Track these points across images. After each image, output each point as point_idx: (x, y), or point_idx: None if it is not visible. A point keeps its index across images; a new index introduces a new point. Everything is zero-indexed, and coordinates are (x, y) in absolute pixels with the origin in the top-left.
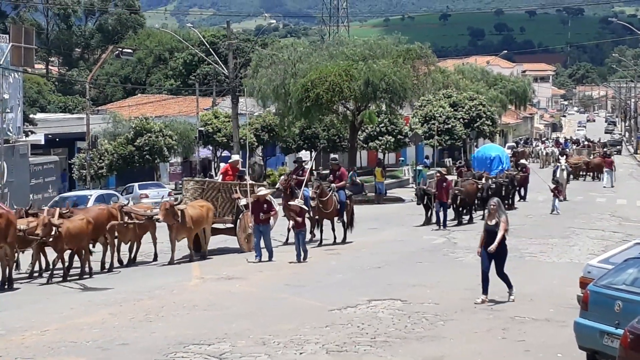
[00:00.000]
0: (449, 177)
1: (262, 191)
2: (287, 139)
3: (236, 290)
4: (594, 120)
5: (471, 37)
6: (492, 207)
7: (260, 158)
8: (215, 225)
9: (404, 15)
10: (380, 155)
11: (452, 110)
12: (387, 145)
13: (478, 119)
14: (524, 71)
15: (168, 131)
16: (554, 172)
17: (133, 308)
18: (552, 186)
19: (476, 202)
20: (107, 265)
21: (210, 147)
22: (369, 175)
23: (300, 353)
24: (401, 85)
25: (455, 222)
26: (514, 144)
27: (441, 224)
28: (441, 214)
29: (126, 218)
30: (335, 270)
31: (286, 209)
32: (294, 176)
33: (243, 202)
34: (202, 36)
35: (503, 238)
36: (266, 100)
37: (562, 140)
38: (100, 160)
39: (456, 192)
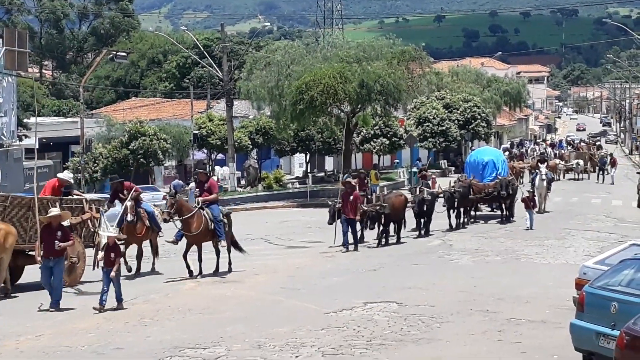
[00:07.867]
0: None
1: (54, 212)
2: (282, 141)
3: (231, 293)
4: (584, 130)
5: (465, 38)
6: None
7: (255, 161)
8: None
9: (399, 17)
10: (375, 159)
11: (447, 112)
12: (382, 148)
13: (473, 121)
14: (519, 72)
15: (162, 134)
16: (533, 180)
17: (128, 312)
18: (524, 195)
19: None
20: None
21: (205, 150)
22: None
23: (296, 356)
24: (396, 87)
25: (382, 242)
26: (507, 146)
27: (347, 246)
28: (350, 234)
29: None
30: (330, 273)
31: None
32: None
33: (66, 223)
34: (196, 39)
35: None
36: (260, 102)
37: (556, 141)
38: (95, 164)
39: (377, 208)
